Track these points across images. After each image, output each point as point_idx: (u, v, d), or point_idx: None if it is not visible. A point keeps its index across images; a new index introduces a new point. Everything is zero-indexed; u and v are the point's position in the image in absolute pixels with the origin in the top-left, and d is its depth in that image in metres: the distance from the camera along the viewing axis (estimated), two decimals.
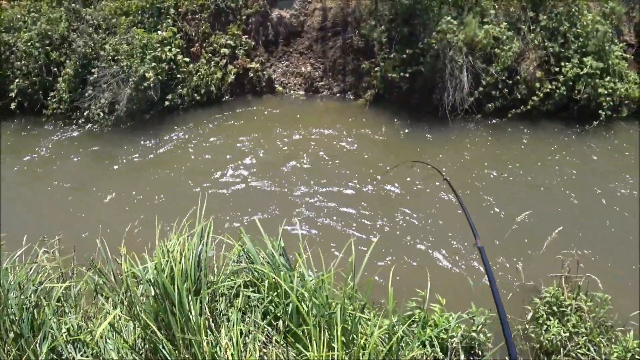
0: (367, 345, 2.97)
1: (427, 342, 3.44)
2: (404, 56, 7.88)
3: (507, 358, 3.64)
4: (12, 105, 8.72)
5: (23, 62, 8.65)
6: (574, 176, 6.46)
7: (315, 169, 6.77)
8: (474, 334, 3.76)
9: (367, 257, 3.31)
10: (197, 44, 8.76)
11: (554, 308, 3.98)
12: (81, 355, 3.17)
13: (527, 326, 4.08)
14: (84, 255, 4.12)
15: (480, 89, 7.67)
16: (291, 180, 6.54)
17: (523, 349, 3.97)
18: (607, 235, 5.38)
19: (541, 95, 7.59)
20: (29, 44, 8.61)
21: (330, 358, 2.90)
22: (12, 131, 8.68)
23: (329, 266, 3.37)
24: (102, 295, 3.96)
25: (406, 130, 7.68)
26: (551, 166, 6.69)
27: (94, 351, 3.34)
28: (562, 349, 3.71)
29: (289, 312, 3.27)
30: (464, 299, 4.19)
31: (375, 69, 8.25)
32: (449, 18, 7.64)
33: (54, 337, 3.22)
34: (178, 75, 8.42)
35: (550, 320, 3.91)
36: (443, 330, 3.63)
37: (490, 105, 7.80)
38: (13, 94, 8.64)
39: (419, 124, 7.78)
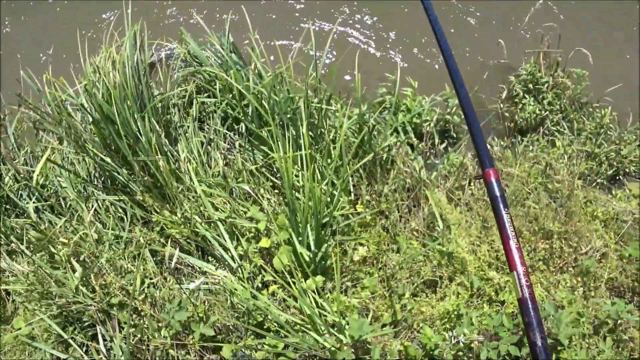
0: (337, 139, 2.75)
1: (400, 129, 3.23)
2: None
3: None
4: None
5: None
6: None
7: None
8: (448, 117, 3.57)
9: (329, 41, 2.92)
10: None
11: (530, 86, 3.74)
12: (36, 200, 2.89)
13: (501, 105, 3.88)
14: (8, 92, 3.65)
15: None
16: None
17: (497, 128, 3.82)
18: (597, 6, 4.83)
19: None
20: None
21: (298, 157, 2.69)
22: None
23: (287, 58, 2.98)
24: (44, 131, 3.60)
25: None
26: None
27: (49, 192, 3.09)
28: (540, 127, 3.57)
29: (249, 113, 2.98)
30: (437, 81, 3.91)
31: None
32: None
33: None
34: None
35: (525, 98, 3.71)
36: (416, 115, 3.41)
37: None
38: None
39: None
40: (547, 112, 3.62)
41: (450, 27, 4.55)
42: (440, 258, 2.55)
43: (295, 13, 4.87)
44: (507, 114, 3.87)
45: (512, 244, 1.20)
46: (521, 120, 3.70)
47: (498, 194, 1.30)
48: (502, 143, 3.49)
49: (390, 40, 4.54)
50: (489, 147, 3.50)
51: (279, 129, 2.71)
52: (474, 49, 4.33)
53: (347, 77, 3.91)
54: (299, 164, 2.73)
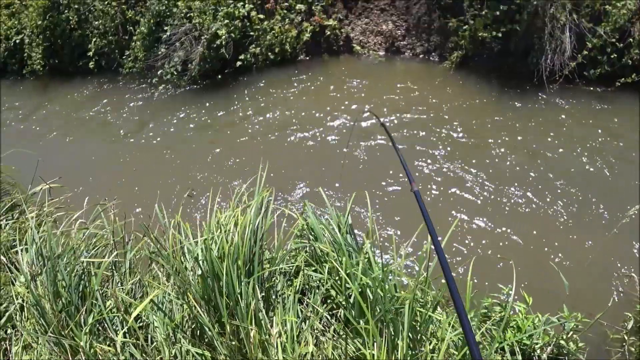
0: (436, 349, 2.55)
1: (507, 348, 2.93)
2: (497, 13, 7.06)
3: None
4: (91, 65, 8.86)
5: (100, 21, 8.68)
6: None
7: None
8: (562, 342, 3.20)
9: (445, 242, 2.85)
10: (272, 0, 8.34)
11: None
12: (124, 334, 2.96)
13: (626, 337, 3.44)
14: (141, 220, 3.99)
15: (585, 52, 6.70)
16: (367, 148, 6.04)
17: None
18: None
19: None
20: (106, 2, 8.61)
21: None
22: (90, 90, 8.83)
23: (400, 249, 2.94)
24: (157, 263, 3.79)
25: (494, 96, 6.89)
26: None
27: (143, 322, 3.17)
28: None
29: (351, 301, 2.89)
30: (555, 299, 3.61)
31: (464, 27, 7.45)
32: None
33: (100, 310, 3.04)
34: (251, 33, 8.07)
35: None
36: (526, 336, 3.10)
37: (594, 71, 6.82)
38: (91, 53, 8.76)
39: (509, 90, 6.97)
40: None
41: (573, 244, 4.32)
42: None
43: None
44: (632, 349, 3.41)
45: None
46: None
47: None
48: None
49: (508, 245, 4.38)
50: None
51: (377, 325, 2.58)
52: (603, 272, 4.01)
53: (458, 278, 3.76)
54: None
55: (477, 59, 7.56)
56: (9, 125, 8.40)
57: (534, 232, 4.52)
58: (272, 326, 2.84)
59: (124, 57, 8.68)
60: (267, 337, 2.79)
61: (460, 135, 6.10)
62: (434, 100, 6.87)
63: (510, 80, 7.12)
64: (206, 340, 2.94)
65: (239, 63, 7.99)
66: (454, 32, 7.67)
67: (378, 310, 2.74)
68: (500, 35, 7.09)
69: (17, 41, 9.84)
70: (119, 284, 3.45)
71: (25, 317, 3.42)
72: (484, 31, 7.19)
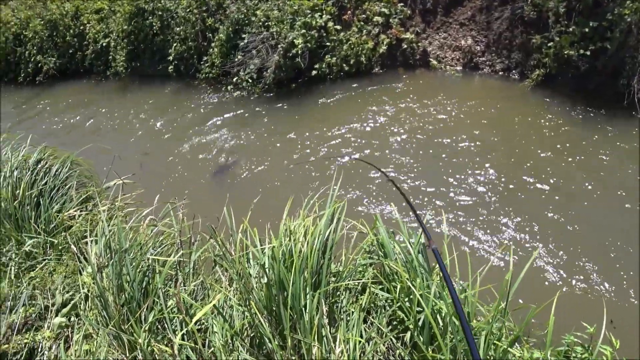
0: None
1: None
2: (586, 30, 6.64)
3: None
4: (170, 69, 9.15)
5: (181, 27, 8.96)
6: None
7: (467, 158, 5.94)
8: None
9: (525, 271, 2.62)
10: (350, 11, 8.29)
11: None
12: (183, 335, 2.91)
13: None
14: (209, 221, 3.97)
15: None
16: (438, 168, 5.82)
17: None
18: None
19: None
20: (188, 10, 8.88)
21: None
22: (168, 93, 9.11)
23: (475, 274, 2.72)
24: (220, 266, 3.75)
25: (579, 118, 6.45)
26: None
27: (201, 325, 3.12)
28: None
29: (420, 325, 2.70)
30: None
31: (548, 44, 7.06)
32: None
33: (161, 309, 3.02)
34: (327, 44, 8.05)
35: None
36: None
37: None
38: (171, 58, 9.06)
39: (596, 112, 6.50)
40: None
41: None
42: None
43: (499, 230, 4.71)
44: None
45: None
46: None
47: None
48: None
49: (595, 281, 4.03)
50: None
51: (449, 355, 2.38)
52: None
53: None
54: None
55: (560, 78, 7.14)
56: (90, 121, 8.81)
57: (624, 267, 4.13)
58: (335, 344, 2.70)
59: (201, 63, 8.90)
60: (330, 355, 2.65)
61: (542, 156, 5.74)
62: (513, 120, 6.52)
63: (597, 101, 6.66)
64: (265, 351, 2.85)
65: (313, 72, 7.98)
66: (537, 49, 7.29)
67: (448, 339, 2.55)
68: (588, 53, 6.67)
69: (104, 44, 10.37)
70: (182, 285, 3.43)
71: (89, 307, 3.47)
72: (570, 49, 6.78)
